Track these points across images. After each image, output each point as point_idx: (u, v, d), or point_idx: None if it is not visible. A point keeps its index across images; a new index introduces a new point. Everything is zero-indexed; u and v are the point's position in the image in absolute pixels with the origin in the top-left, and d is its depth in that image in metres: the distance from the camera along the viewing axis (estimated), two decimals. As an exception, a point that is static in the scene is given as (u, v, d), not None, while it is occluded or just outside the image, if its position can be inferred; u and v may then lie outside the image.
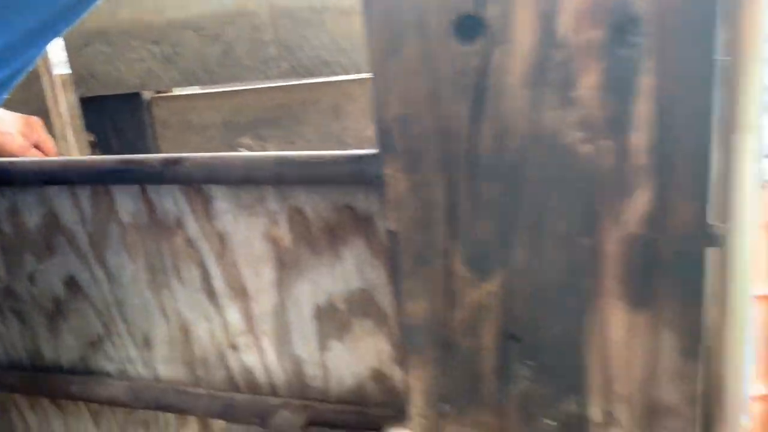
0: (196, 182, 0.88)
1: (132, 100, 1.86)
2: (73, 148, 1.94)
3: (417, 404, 0.64)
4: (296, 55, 1.65)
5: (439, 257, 0.59)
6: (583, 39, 0.50)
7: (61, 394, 1.08)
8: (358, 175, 0.78)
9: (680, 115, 0.51)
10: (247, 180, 0.85)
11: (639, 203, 0.53)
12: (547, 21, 0.50)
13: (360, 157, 0.77)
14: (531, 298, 0.58)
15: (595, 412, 0.60)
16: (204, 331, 0.97)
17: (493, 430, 0.62)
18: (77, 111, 1.93)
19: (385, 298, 0.85)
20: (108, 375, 1.06)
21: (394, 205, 0.59)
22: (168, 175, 0.86)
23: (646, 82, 0.50)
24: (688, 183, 0.53)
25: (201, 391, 0.99)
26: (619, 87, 0.51)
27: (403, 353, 0.63)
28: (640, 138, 0.52)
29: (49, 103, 1.82)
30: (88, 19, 1.76)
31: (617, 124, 0.52)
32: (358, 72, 1.62)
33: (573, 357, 0.58)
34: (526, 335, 0.59)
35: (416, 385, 0.64)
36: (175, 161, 0.85)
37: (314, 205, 0.84)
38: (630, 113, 0.51)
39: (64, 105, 1.93)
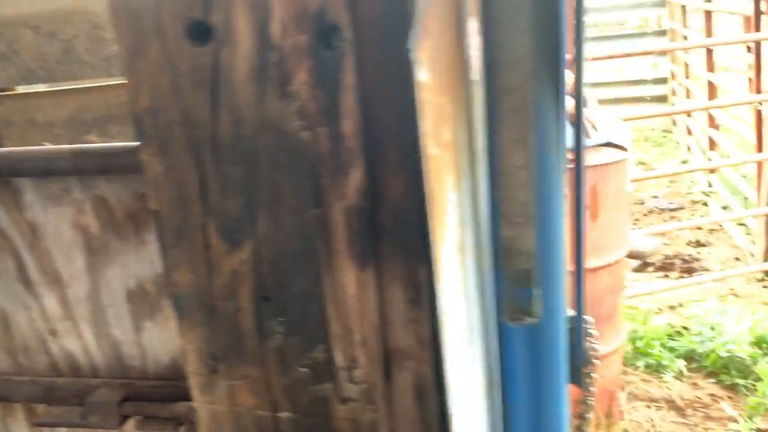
0: (4, 175, 0.92)
1: (-29, 98, 1.81)
2: None
3: (192, 363, 0.73)
4: (138, 52, 1.67)
5: (196, 231, 0.67)
6: (292, 43, 0.60)
7: None
8: (154, 164, 0.85)
9: (382, 105, 0.63)
10: (50, 172, 0.89)
11: (354, 179, 0.64)
12: (261, 28, 0.59)
13: (154, 148, 0.84)
14: (276, 264, 0.67)
15: (339, 358, 0.70)
16: (23, 319, 1.00)
17: (257, 381, 0.72)
18: None
19: (189, 277, 0.92)
20: (-72, 370, 1.06)
21: (153, 186, 0.67)
22: (-29, 169, 0.89)
23: (348, 79, 0.61)
24: (397, 161, 0.65)
25: (23, 378, 1.03)
26: (326, 83, 0.61)
27: (177, 319, 0.71)
28: (348, 125, 0.62)
29: None
30: None
31: (329, 114, 0.62)
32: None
33: (316, 312, 0.69)
34: (275, 296, 0.68)
35: (189, 346, 0.72)
36: (-24, 156, 0.89)
37: (116, 193, 0.90)
38: (338, 104, 0.62)
39: None
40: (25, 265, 0.97)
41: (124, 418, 0.96)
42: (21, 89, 1.87)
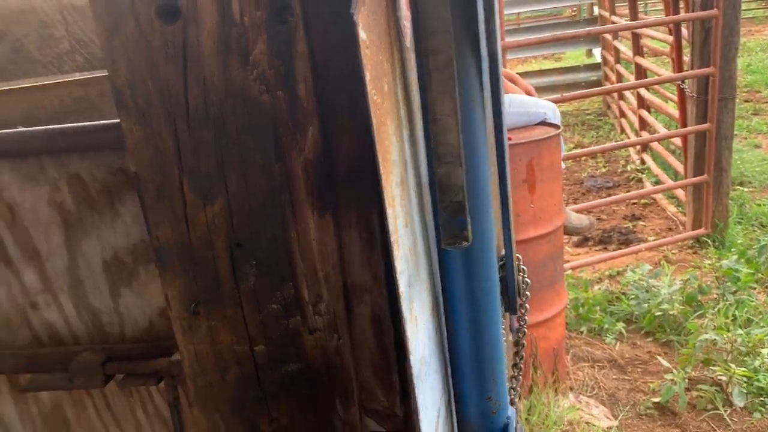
0: (-22, 159, 0.99)
1: None
2: None
3: (175, 310, 0.82)
4: (90, 48, 1.73)
5: (174, 191, 0.77)
6: (250, 19, 0.70)
7: None
8: (121, 140, 0.94)
9: (331, 69, 0.74)
10: (25, 152, 0.97)
11: (311, 135, 0.75)
12: (223, 7, 0.70)
13: (118, 126, 0.93)
14: (246, 214, 0.78)
15: (306, 294, 0.81)
16: (4, 296, 1.07)
17: (235, 320, 0.82)
18: None
19: (162, 244, 1.01)
20: None
21: (133, 152, 0.76)
22: (-51, 154, 0.96)
23: (300, 48, 0.72)
24: (347, 117, 0.76)
25: (6, 351, 1.09)
26: (281, 52, 0.72)
27: (159, 271, 0.81)
28: (302, 88, 0.73)
29: None
30: None
31: (285, 79, 0.73)
32: (152, 63, 1.75)
33: (284, 254, 0.79)
34: (247, 242, 0.79)
35: (172, 294, 0.82)
36: (-45, 141, 0.95)
37: (90, 170, 0.98)
38: (293, 70, 0.72)
39: None
40: (4, 244, 1.04)
41: (108, 378, 1.04)
42: (-29, 90, 1.89)
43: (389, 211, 0.75)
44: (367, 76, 0.60)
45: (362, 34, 0.58)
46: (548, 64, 10.79)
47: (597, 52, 8.79)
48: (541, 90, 5.76)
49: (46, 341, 1.10)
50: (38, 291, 1.07)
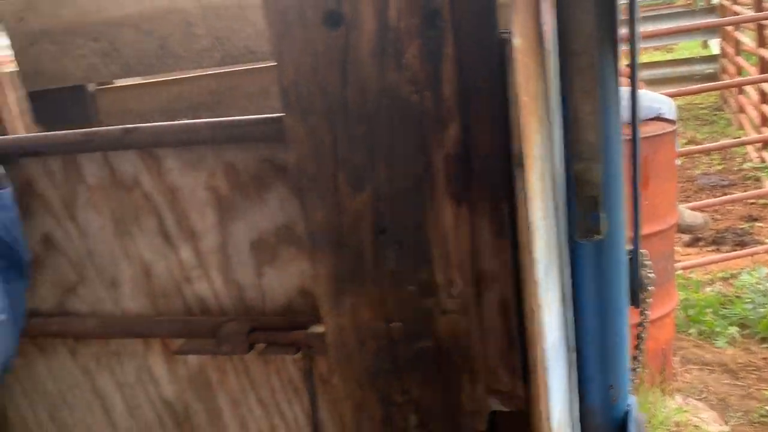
0: (148, 146, 1.12)
1: (77, 92, 2.04)
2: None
3: (322, 285, 0.91)
4: (226, 45, 1.88)
5: (328, 180, 0.86)
6: (405, 25, 0.77)
7: (41, 334, 1.30)
8: (274, 134, 1.04)
9: (475, 71, 0.80)
10: (189, 142, 1.09)
11: (453, 132, 0.81)
12: (381, 14, 0.77)
13: (274, 120, 1.03)
14: (391, 202, 0.85)
15: (440, 277, 0.88)
16: (162, 269, 1.21)
17: (375, 297, 0.90)
18: (26, 105, 2.10)
19: (302, 229, 1.11)
20: (81, 314, 1.28)
21: (294, 145, 0.85)
22: (126, 141, 1.10)
23: (448, 51, 0.78)
24: (487, 116, 0.82)
25: (162, 318, 1.24)
26: (431, 55, 0.78)
27: (310, 251, 0.90)
28: (448, 88, 0.80)
29: None
30: (33, 20, 1.95)
31: (433, 80, 0.79)
32: (281, 58, 1.87)
33: (423, 240, 0.86)
34: (390, 229, 0.86)
35: (321, 272, 0.91)
36: (131, 130, 1.09)
37: (243, 159, 1.10)
38: (440, 72, 0.79)
39: (13, 100, 2.09)
40: (165, 223, 1.18)
41: (251, 346, 1.16)
42: (118, 82, 2.10)
43: (531, 204, 0.80)
44: (519, 79, 0.65)
45: (516, 41, 0.63)
46: (659, 56, 10.32)
47: (713, 42, 8.33)
48: (652, 83, 5.55)
49: (197, 311, 1.23)
50: (192, 266, 1.20)
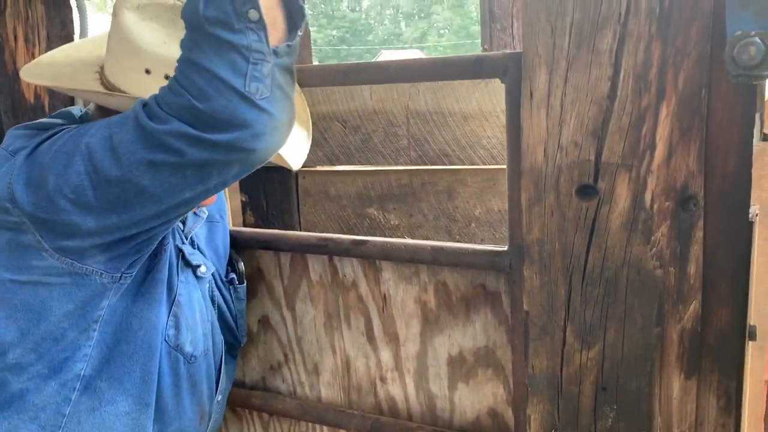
0: (373, 258, 1.24)
1: (282, 171, 2.26)
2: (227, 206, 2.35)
3: (534, 429, 0.95)
4: (423, 147, 2.01)
5: (558, 331, 0.91)
6: (659, 207, 0.82)
7: (243, 405, 1.44)
8: (491, 263, 1.11)
9: (721, 254, 0.82)
10: (410, 260, 1.19)
11: (692, 308, 0.84)
12: (637, 195, 0.82)
13: (494, 252, 1.10)
14: (618, 364, 0.88)
15: (657, 446, 0.89)
16: (362, 365, 1.31)
17: (585, 452, 0.92)
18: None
19: (503, 354, 1.16)
20: (281, 393, 1.41)
21: (528, 295, 0.91)
22: (353, 251, 1.22)
23: (698, 234, 0.81)
24: (727, 296, 0.83)
25: (354, 411, 1.32)
26: (681, 236, 0.82)
27: (527, 394, 0.94)
28: (693, 268, 0.82)
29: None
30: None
31: (679, 258, 0.83)
32: (472, 164, 1.97)
33: (644, 406, 0.88)
34: (612, 388, 0.89)
35: (534, 417, 0.95)
36: (361, 242, 1.21)
37: (455, 280, 1.17)
38: (687, 252, 0.82)
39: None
40: (372, 325, 1.28)
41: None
42: (321, 167, 2.31)
43: None
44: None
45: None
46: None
47: None
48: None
49: (386, 411, 1.31)
50: (389, 368, 1.28)
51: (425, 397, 1.27)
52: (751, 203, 0.82)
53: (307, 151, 1.20)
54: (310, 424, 1.41)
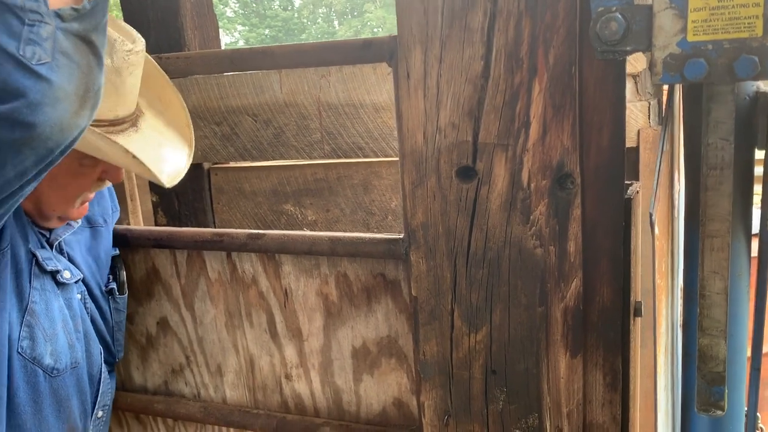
0: (270, 252, 1.20)
1: (193, 169, 2.19)
2: (137, 207, 2.26)
3: (428, 417, 0.93)
4: (337, 140, 1.98)
5: (446, 315, 0.89)
6: (536, 186, 0.81)
7: (146, 411, 1.37)
8: (388, 252, 1.09)
9: (598, 232, 0.82)
10: (308, 252, 1.16)
11: (574, 286, 0.84)
12: (514, 175, 0.81)
13: (390, 240, 1.08)
14: (505, 345, 0.87)
15: (548, 425, 0.88)
16: (266, 364, 1.27)
17: (478, 436, 0.91)
18: (146, 175, 2.26)
19: (405, 342, 1.14)
20: (185, 397, 1.35)
21: (416, 280, 0.89)
22: (250, 245, 1.18)
23: (575, 212, 0.81)
24: (607, 274, 0.84)
25: (260, 411, 1.28)
26: (559, 214, 0.82)
27: (418, 381, 0.93)
28: (572, 246, 0.82)
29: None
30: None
31: (558, 237, 0.82)
32: (386, 156, 1.96)
33: (533, 387, 0.88)
34: (501, 370, 0.88)
35: (428, 403, 0.93)
36: (258, 236, 1.17)
37: (356, 271, 1.15)
38: (566, 230, 0.82)
39: (136, 170, 2.25)
40: (275, 321, 1.24)
41: (343, 453, 1.18)
42: (232, 163, 2.24)
43: (658, 378, 0.80)
44: (658, 264, 0.67)
45: (657, 229, 0.66)
46: None
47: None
48: None
49: (292, 409, 1.27)
50: (294, 365, 1.25)
51: (331, 391, 1.24)
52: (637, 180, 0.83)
53: (186, 170, 1.12)
54: (216, 428, 1.36)
